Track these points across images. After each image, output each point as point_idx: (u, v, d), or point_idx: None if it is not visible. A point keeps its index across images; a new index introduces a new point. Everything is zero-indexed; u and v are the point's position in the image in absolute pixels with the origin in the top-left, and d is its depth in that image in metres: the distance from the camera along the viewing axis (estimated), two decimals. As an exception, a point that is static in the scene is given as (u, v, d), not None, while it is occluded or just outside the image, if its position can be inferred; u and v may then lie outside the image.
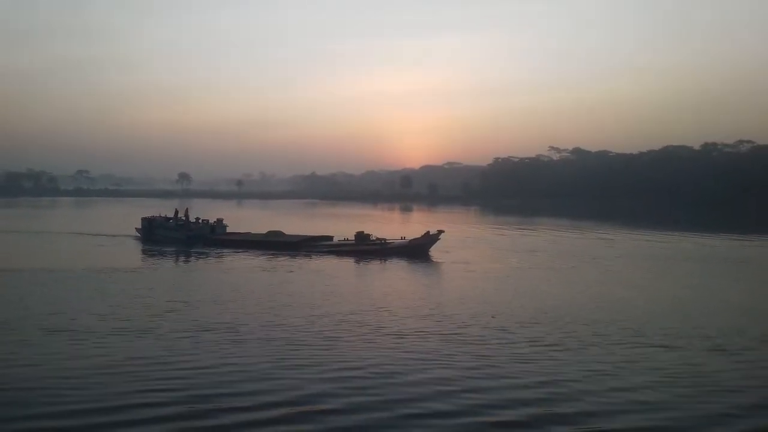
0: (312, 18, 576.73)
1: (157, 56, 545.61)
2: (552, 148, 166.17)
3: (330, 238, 37.64)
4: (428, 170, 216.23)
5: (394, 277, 25.70)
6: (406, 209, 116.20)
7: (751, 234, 51.72)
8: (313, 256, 32.20)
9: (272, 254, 32.72)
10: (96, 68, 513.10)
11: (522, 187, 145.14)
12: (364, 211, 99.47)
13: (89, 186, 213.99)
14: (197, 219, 42.03)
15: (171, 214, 42.95)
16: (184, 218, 41.59)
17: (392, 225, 60.62)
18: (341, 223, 59.29)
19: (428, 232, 34.19)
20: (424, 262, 30.48)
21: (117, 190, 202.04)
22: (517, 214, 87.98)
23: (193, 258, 31.98)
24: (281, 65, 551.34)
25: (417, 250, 33.00)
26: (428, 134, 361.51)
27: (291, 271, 26.62)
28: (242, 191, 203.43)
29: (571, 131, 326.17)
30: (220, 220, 41.99)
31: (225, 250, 34.38)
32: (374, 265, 29.57)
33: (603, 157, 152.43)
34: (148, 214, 44.89)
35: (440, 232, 34.06)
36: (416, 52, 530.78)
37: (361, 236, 35.10)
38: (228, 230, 41.37)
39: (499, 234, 51.45)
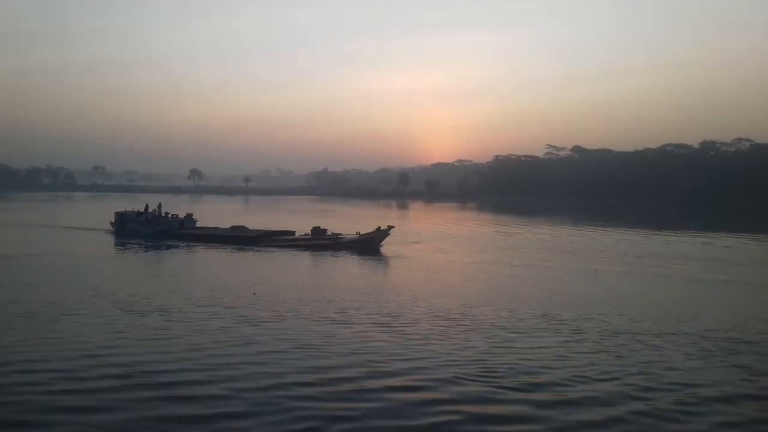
0: (329, 17, 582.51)
1: (176, 56, 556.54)
2: (549, 146, 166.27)
3: (292, 233, 39.31)
4: (439, 168, 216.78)
5: (287, 267, 27.53)
6: (403, 206, 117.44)
7: (730, 232, 50.67)
8: (268, 250, 33.55)
9: (230, 248, 34.31)
10: (115, 68, 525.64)
11: (521, 185, 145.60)
12: (358, 208, 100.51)
13: (104, 182, 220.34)
14: (167, 214, 44.38)
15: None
16: (155, 212, 43.97)
17: (367, 221, 61.55)
18: (321, 218, 59.80)
19: (379, 227, 35.72)
20: (363, 255, 31.69)
21: (130, 186, 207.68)
22: (507, 212, 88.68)
23: (145, 250, 34.06)
24: (300, 64, 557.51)
25: (367, 244, 34.40)
26: (442, 132, 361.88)
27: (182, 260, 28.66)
28: (253, 188, 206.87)
29: (575, 129, 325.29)
30: (189, 215, 44.54)
31: (189, 244, 36.30)
32: (302, 258, 30.59)
33: (603, 155, 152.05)
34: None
35: (390, 227, 35.60)
36: (432, 51, 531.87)
37: (317, 231, 36.78)
38: (198, 225, 43.86)
39: (457, 228, 53.02)
